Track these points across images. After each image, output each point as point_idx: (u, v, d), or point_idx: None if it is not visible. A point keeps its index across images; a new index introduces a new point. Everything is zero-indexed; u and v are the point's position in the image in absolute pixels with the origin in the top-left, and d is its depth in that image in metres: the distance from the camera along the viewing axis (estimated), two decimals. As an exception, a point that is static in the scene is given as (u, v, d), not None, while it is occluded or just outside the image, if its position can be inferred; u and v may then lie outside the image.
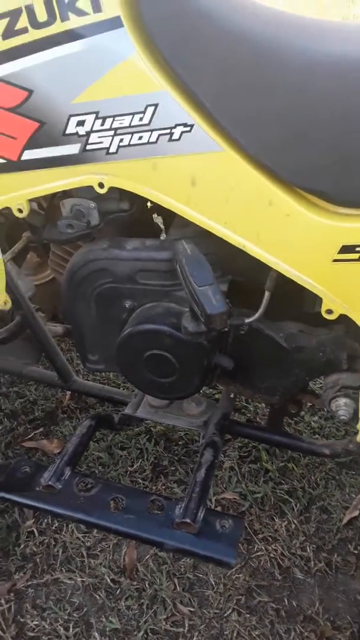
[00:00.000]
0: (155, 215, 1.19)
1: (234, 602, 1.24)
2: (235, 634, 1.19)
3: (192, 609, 1.23)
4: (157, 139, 0.82)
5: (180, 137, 0.81)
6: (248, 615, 1.22)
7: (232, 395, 1.25)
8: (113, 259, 0.99)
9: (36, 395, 1.72)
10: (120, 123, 0.83)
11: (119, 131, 0.84)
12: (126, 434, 1.59)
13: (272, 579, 1.28)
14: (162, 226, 1.22)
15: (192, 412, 1.21)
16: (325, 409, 1.48)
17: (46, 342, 1.28)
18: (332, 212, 0.80)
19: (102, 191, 0.88)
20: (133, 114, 0.82)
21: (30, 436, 1.60)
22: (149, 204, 1.15)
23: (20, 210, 0.95)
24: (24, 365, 1.40)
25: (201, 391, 1.13)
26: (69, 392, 1.70)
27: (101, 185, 0.88)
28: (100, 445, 1.56)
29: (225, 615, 1.22)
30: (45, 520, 1.39)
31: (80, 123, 0.85)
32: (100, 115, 0.84)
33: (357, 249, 0.79)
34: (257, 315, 0.96)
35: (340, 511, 1.40)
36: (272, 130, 0.78)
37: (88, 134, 0.85)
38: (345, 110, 0.75)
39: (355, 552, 1.32)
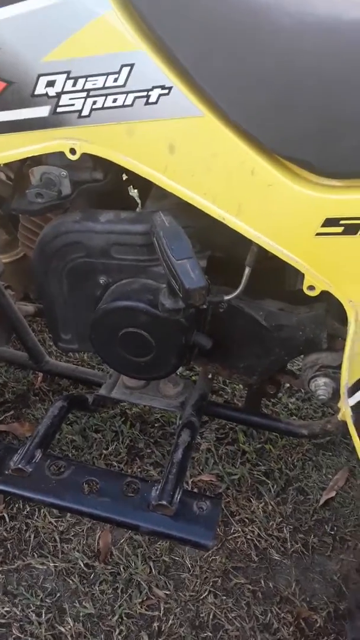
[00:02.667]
0: (130, 188, 1.14)
1: (210, 584, 1.22)
2: (211, 616, 1.17)
3: (167, 592, 1.21)
4: (133, 101, 0.77)
5: (157, 100, 0.76)
6: (224, 598, 1.20)
7: (209, 376, 1.22)
8: (86, 232, 0.94)
9: (6, 378, 1.67)
10: (94, 84, 0.78)
11: (92, 93, 0.78)
12: (101, 416, 1.55)
13: (248, 561, 1.27)
14: (138, 200, 1.17)
15: (168, 393, 1.18)
16: (304, 389, 1.47)
17: (16, 321, 1.23)
18: (316, 183, 0.76)
19: (74, 158, 0.83)
20: (107, 74, 0.77)
21: (0, 419, 1.55)
22: (124, 176, 1.10)
23: (-14, 178, 0.89)
24: (-8, 346, 1.34)
25: (178, 372, 1.10)
26: (41, 374, 1.65)
27: (73, 151, 0.83)
28: (74, 428, 1.52)
29: (202, 597, 1.21)
30: (17, 505, 1.35)
31: (51, 83, 0.79)
32: (72, 75, 0.78)
33: (341, 222, 0.76)
34: (237, 292, 0.93)
35: (317, 492, 1.39)
36: (256, 94, 0.74)
37: (59, 95, 0.79)
38: (332, 76, 0.72)
39: (332, 532, 1.32)
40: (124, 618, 1.17)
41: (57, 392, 1.63)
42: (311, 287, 0.83)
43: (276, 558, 1.28)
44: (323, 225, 0.76)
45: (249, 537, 1.31)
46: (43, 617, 1.16)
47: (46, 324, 1.59)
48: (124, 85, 0.77)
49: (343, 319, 0.88)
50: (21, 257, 1.61)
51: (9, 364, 1.64)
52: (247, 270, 0.91)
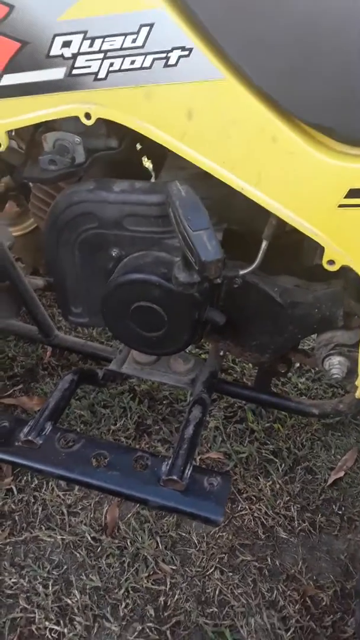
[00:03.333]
0: (145, 159, 1.12)
1: (217, 560, 1.22)
2: (217, 592, 1.18)
3: (174, 567, 1.21)
4: (152, 64, 0.74)
5: (177, 63, 0.74)
6: (231, 574, 1.21)
7: (220, 353, 1.21)
8: (99, 202, 0.92)
9: (15, 352, 1.66)
10: (111, 45, 0.75)
11: (109, 54, 0.75)
12: (109, 392, 1.55)
13: (255, 538, 1.27)
14: (152, 171, 1.14)
15: (179, 369, 1.16)
16: (317, 368, 1.46)
17: (26, 294, 1.21)
18: (340, 152, 0.74)
19: (89, 123, 0.80)
20: (125, 34, 0.74)
21: (9, 393, 1.54)
22: (138, 146, 1.07)
23: (-2, 144, 0.86)
24: (2, 319, 1.33)
25: (187, 350, 1.08)
26: (50, 349, 1.65)
27: (88, 115, 0.80)
28: (82, 403, 1.51)
29: (208, 573, 1.21)
30: (25, 478, 1.35)
31: (67, 44, 0.77)
32: (88, 35, 0.75)
33: (366, 193, 0.74)
34: (253, 266, 0.91)
35: (325, 472, 1.38)
36: (279, 57, 0.71)
37: (75, 56, 0.77)
38: (356, 40, 0.68)
39: (340, 512, 1.31)
40: (130, 591, 1.17)
41: (66, 367, 1.62)
42: (331, 262, 0.81)
43: (283, 536, 1.27)
44: (346, 197, 0.74)
45: (256, 514, 1.30)
46: (50, 589, 1.17)
47: (56, 298, 1.58)
48: (142, 47, 0.74)
49: (361, 295, 0.86)
50: (32, 230, 1.60)
51: (19, 337, 1.64)
52: (264, 244, 0.89)
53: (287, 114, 0.73)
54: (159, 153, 1.03)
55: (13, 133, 0.97)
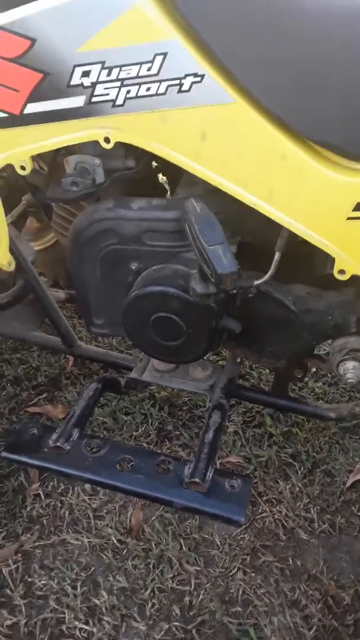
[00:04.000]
0: (160, 176, 1.16)
1: (239, 561, 1.26)
2: (240, 592, 1.21)
3: (198, 568, 1.25)
4: (166, 90, 0.79)
5: (190, 88, 0.78)
6: (253, 574, 1.24)
7: (238, 360, 1.24)
8: (119, 219, 0.97)
9: (39, 362, 1.71)
10: (128, 73, 0.80)
11: (125, 82, 0.80)
12: (130, 399, 1.59)
13: (276, 540, 1.30)
14: (167, 187, 1.19)
15: (198, 376, 1.20)
16: (332, 373, 1.48)
17: (49, 306, 1.26)
18: (347, 167, 0.78)
19: (108, 146, 0.85)
20: (141, 63, 0.79)
21: (34, 402, 1.60)
22: (154, 164, 1.12)
23: (23, 168, 0.91)
24: (26, 331, 1.39)
25: (206, 357, 1.12)
26: (72, 359, 1.70)
27: (107, 140, 0.85)
28: (105, 410, 1.56)
29: (231, 574, 1.24)
30: (52, 483, 1.40)
31: (86, 74, 0.81)
32: (106, 65, 0.80)
33: (372, 205, 0.77)
34: (266, 276, 0.95)
35: (344, 474, 1.41)
36: (286, 79, 0.75)
37: (94, 85, 0.82)
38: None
39: (359, 514, 1.34)
40: (156, 592, 1.21)
41: (88, 375, 1.67)
42: (342, 272, 0.84)
43: (304, 537, 1.30)
44: (354, 209, 0.77)
45: (276, 517, 1.33)
46: (78, 589, 1.21)
47: (78, 310, 1.63)
48: (157, 74, 0.78)
49: (373, 302, 0.89)
50: (52, 245, 1.66)
51: (42, 347, 1.69)
52: (277, 255, 0.92)
53: (296, 133, 0.77)
54: (174, 169, 1.08)
55: (36, 156, 1.02)
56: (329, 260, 0.87)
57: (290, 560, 1.26)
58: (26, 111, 0.86)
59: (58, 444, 0.94)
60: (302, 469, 1.42)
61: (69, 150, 0.95)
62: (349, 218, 0.78)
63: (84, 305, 1.12)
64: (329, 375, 1.65)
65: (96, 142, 0.86)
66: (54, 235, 1.43)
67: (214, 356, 1.66)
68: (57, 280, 1.76)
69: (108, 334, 1.16)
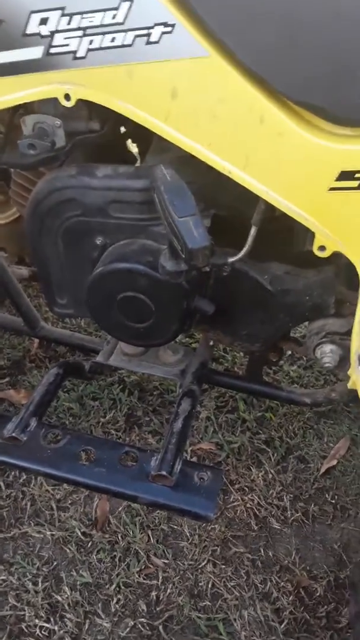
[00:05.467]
0: (129, 143, 1.08)
1: (209, 553, 1.21)
2: (210, 585, 1.16)
3: (166, 561, 1.19)
4: (133, 41, 0.71)
5: (159, 40, 0.70)
6: (223, 566, 1.19)
7: (210, 343, 1.18)
8: (82, 188, 0.89)
9: (1, 344, 1.62)
10: (90, 21, 0.71)
11: (88, 31, 0.72)
12: (98, 384, 1.52)
13: (248, 530, 1.25)
14: (137, 156, 1.10)
15: (168, 360, 1.14)
16: (308, 357, 1.43)
17: (9, 284, 1.18)
18: (331, 132, 0.71)
19: (69, 104, 0.77)
20: (105, 10, 0.70)
21: (-5, 386, 1.51)
22: (122, 129, 1.03)
23: (-26, 128, 0.83)
24: (-15, 311, 1.30)
25: (177, 339, 1.05)
26: (37, 341, 1.61)
27: (67, 97, 0.76)
28: (71, 395, 1.48)
29: (200, 566, 1.19)
30: (13, 474, 1.32)
31: (44, 21, 0.72)
32: (66, 11, 0.71)
33: (357, 175, 0.71)
34: (242, 253, 0.88)
35: (318, 460, 1.37)
36: (266, 31, 0.67)
37: (52, 34, 0.73)
38: (347, 13, 0.65)
39: (333, 501, 1.30)
40: (122, 587, 1.15)
41: (54, 359, 1.59)
42: (322, 248, 0.78)
43: (276, 527, 1.26)
44: (337, 179, 0.71)
45: (248, 505, 1.29)
46: (40, 585, 1.15)
47: (40, 288, 1.55)
48: (123, 23, 0.70)
49: (353, 283, 0.83)
50: (15, 219, 1.55)
51: (3, 329, 1.60)
52: (253, 230, 0.85)
53: (275, 93, 0.70)
54: (145, 136, 1.00)
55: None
56: (308, 235, 0.81)
57: (262, 550, 1.22)
58: (-25, 63, 0.77)
59: (13, 434, 0.87)
60: (275, 455, 1.38)
61: (26, 109, 0.86)
62: (331, 189, 0.72)
63: (45, 283, 1.04)
64: (304, 359, 1.61)
65: (56, 100, 0.78)
66: (14, 207, 1.34)
67: (186, 339, 1.60)
68: (22, 256, 1.66)
69: (72, 314, 1.08)
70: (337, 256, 0.80)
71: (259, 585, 1.16)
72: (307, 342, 1.01)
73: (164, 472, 0.82)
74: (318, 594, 1.15)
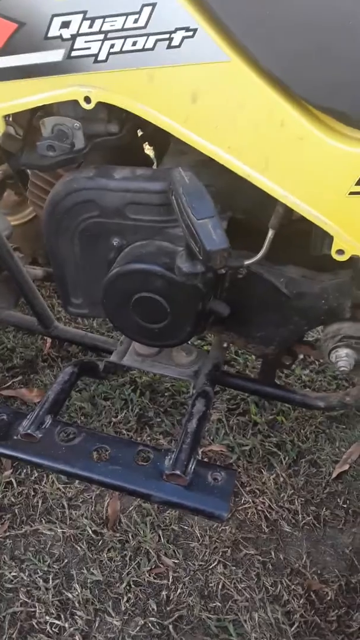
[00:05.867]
0: (146, 145, 1.09)
1: (220, 554, 1.21)
2: (220, 586, 1.16)
3: (176, 561, 1.20)
4: (154, 45, 0.71)
5: (180, 44, 0.70)
6: (234, 568, 1.19)
7: (224, 345, 1.18)
8: (100, 189, 0.89)
9: (14, 343, 1.64)
10: (112, 25, 0.72)
11: (109, 35, 0.72)
12: (110, 384, 1.53)
13: (259, 532, 1.25)
14: (154, 159, 1.11)
15: (181, 361, 1.14)
16: (323, 360, 1.43)
17: (24, 283, 1.18)
18: (351, 137, 0.71)
19: (89, 107, 0.77)
20: (127, 14, 0.71)
21: (8, 384, 1.53)
22: (139, 132, 1.04)
23: (-6, 129, 0.83)
24: (0, 309, 1.31)
25: (190, 341, 1.06)
26: (49, 340, 1.62)
27: (87, 99, 0.77)
28: (83, 395, 1.49)
29: (211, 567, 1.19)
30: (24, 471, 1.34)
31: (65, 24, 0.73)
32: (88, 15, 0.72)
33: (377, 180, 0.71)
34: (258, 256, 0.88)
35: (330, 465, 1.37)
36: (288, 37, 0.68)
37: (74, 37, 0.73)
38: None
39: (344, 506, 1.30)
40: (132, 586, 1.16)
41: (66, 358, 1.60)
42: (340, 251, 0.78)
43: (287, 530, 1.26)
44: (357, 184, 0.71)
45: (259, 508, 1.29)
46: (50, 582, 1.16)
47: (55, 288, 1.55)
48: (144, 27, 0.71)
49: (370, 286, 0.83)
50: (30, 219, 1.57)
51: (17, 328, 1.61)
52: (270, 233, 0.86)
53: (297, 98, 0.70)
54: (162, 139, 1.00)
55: (10, 118, 0.94)
56: (326, 239, 0.81)
57: (273, 553, 1.22)
58: (-2, 65, 0.78)
59: (29, 431, 0.87)
60: (286, 458, 1.38)
61: (46, 111, 0.86)
62: (351, 193, 0.72)
63: (61, 283, 1.05)
64: (317, 363, 1.61)
65: (76, 103, 0.78)
66: (31, 207, 1.35)
67: (199, 340, 1.60)
68: (36, 257, 1.68)
69: (87, 314, 1.09)
70: (353, 259, 0.80)
71: (269, 587, 1.16)
72: (322, 346, 1.01)
73: (178, 472, 0.82)
74: (329, 598, 1.15)
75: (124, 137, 0.89)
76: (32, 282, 1.22)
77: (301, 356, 1.56)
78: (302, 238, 0.92)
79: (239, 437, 1.41)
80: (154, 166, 1.09)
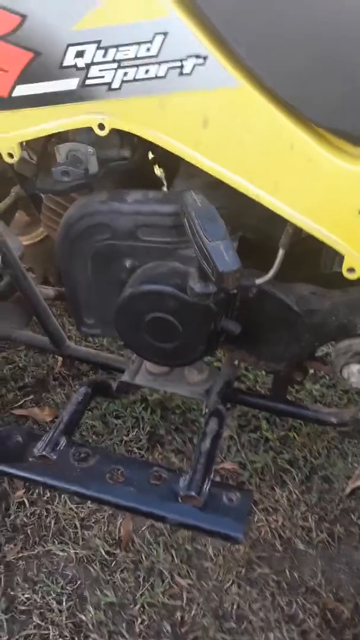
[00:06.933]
0: (156, 168, 1.10)
1: (234, 574, 1.20)
2: (235, 607, 1.15)
3: (190, 582, 1.19)
4: (166, 73, 0.73)
5: (192, 71, 0.72)
6: (248, 588, 1.18)
7: (235, 362, 1.19)
8: (113, 213, 0.91)
9: (26, 362, 1.65)
10: (125, 54, 0.74)
11: (122, 64, 0.74)
12: (121, 402, 1.53)
13: (272, 550, 1.25)
14: (164, 180, 1.13)
15: (193, 379, 1.14)
16: (334, 376, 1.44)
17: (37, 303, 1.20)
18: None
19: (103, 133, 0.79)
20: (139, 43, 0.73)
21: (20, 403, 1.53)
22: (150, 154, 1.06)
23: (10, 155, 0.85)
24: (13, 329, 1.32)
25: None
26: (60, 359, 1.63)
27: (101, 126, 0.79)
28: (94, 413, 1.50)
29: (225, 587, 1.18)
30: (37, 491, 1.33)
31: (80, 54, 0.75)
32: (102, 45, 0.74)
33: (387, 199, 0.72)
34: (269, 275, 0.89)
35: (343, 481, 1.36)
36: (295, 59, 0.70)
37: (88, 66, 0.76)
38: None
39: (358, 522, 1.29)
40: (146, 607, 1.15)
41: (77, 377, 1.61)
42: (351, 270, 0.79)
43: (301, 548, 1.25)
44: (367, 203, 0.72)
45: (272, 526, 1.28)
46: (64, 604, 1.15)
47: (68, 308, 1.57)
48: (156, 56, 0.73)
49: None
50: (41, 240, 1.59)
51: (29, 347, 1.62)
52: (280, 252, 0.87)
53: (305, 120, 0.72)
54: (172, 161, 1.02)
55: (24, 144, 0.96)
56: (337, 257, 0.82)
57: (287, 572, 1.21)
58: (15, 94, 0.80)
59: (44, 453, 0.88)
60: (299, 475, 1.37)
61: (60, 137, 0.89)
62: (360, 212, 0.73)
63: (74, 304, 1.06)
64: (327, 378, 1.60)
65: (90, 129, 0.80)
66: (44, 230, 1.37)
67: (210, 357, 1.60)
68: (46, 276, 1.69)
69: (99, 334, 1.10)
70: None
71: (284, 607, 1.15)
72: (333, 362, 1.02)
73: (193, 493, 0.83)
74: (345, 617, 1.14)
75: (136, 161, 0.90)
76: (44, 301, 1.24)
77: (312, 371, 1.56)
78: (311, 256, 0.93)
79: (250, 454, 1.41)
80: (164, 188, 1.11)
